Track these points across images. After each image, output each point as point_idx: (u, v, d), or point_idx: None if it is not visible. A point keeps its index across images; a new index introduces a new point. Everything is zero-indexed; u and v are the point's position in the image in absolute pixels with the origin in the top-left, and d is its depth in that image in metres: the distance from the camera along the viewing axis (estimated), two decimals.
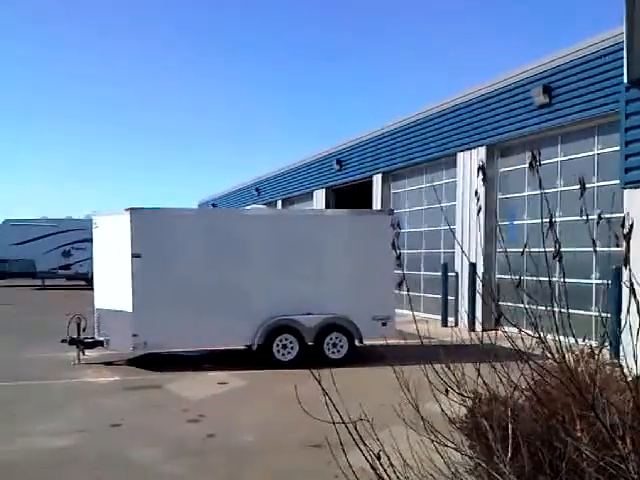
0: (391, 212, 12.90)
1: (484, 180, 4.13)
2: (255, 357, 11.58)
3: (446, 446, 3.25)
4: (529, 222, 14.86)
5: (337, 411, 2.88)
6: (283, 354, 11.49)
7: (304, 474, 5.96)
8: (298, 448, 6.68)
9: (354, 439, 2.81)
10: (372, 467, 2.67)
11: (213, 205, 43.50)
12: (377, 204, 21.84)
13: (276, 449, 6.68)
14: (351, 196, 24.53)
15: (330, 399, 2.85)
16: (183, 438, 7.10)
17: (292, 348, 11.52)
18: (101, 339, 11.71)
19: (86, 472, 5.95)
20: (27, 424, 7.59)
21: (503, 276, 12.39)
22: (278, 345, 11.47)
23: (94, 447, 6.71)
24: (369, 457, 2.92)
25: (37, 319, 18.62)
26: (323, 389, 2.85)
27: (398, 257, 3.13)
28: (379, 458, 2.76)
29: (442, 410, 3.52)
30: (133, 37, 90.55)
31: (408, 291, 4.49)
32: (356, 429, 3.01)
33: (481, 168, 3.72)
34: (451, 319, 16.70)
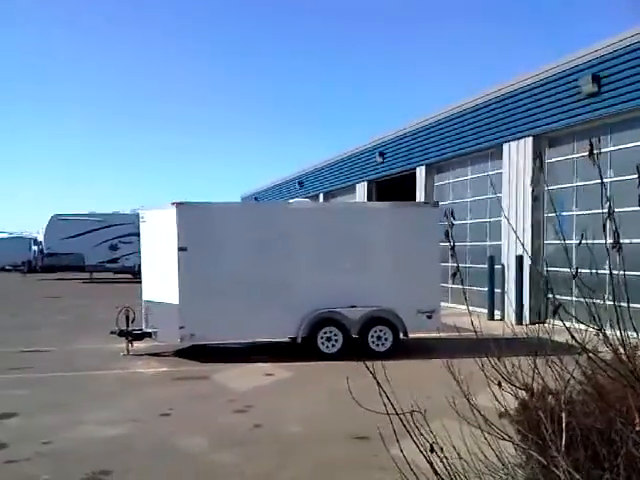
0: (436, 204, 12.78)
1: (540, 169, 4.04)
2: (300, 349, 11.64)
3: (502, 439, 3.21)
4: (578, 213, 14.52)
5: (390, 402, 2.87)
6: (327, 347, 11.52)
7: (351, 465, 5.97)
8: (345, 439, 6.70)
9: (407, 430, 2.80)
10: (427, 459, 2.65)
11: (255, 199, 43.80)
12: (420, 196, 21.65)
13: (323, 440, 6.71)
14: (393, 189, 24.36)
15: (384, 391, 2.85)
16: (230, 428, 7.20)
17: (336, 341, 11.54)
18: (149, 331, 11.94)
19: (138, 460, 6.09)
20: (82, 413, 7.82)
21: (551, 268, 12.11)
22: (322, 338, 11.51)
23: (145, 436, 6.86)
24: (420, 449, 2.90)
25: (87, 311, 19.14)
26: (377, 381, 2.83)
27: (452, 248, 3.08)
28: (432, 450, 2.74)
29: (497, 402, 3.47)
30: (193, 34, 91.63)
31: (462, 283, 4.39)
32: (401, 421, 3.00)
33: (538, 156, 3.64)
34: (498, 312, 16.47)
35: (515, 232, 16.22)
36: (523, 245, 15.67)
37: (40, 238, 40.97)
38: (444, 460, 2.89)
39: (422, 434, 2.95)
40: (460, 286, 18.93)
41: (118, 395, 8.84)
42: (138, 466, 5.94)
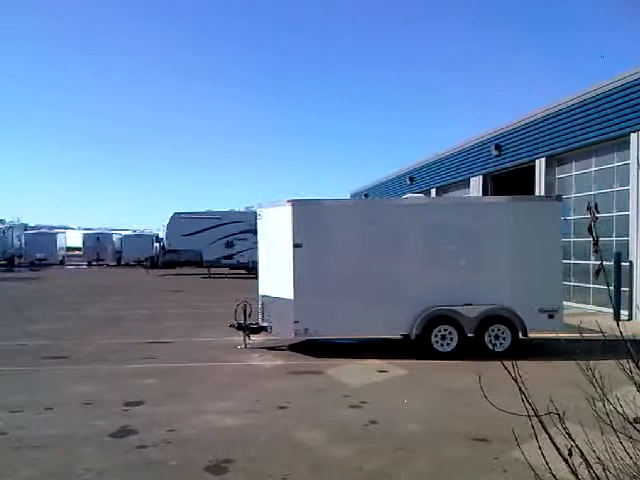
0: (559, 198, 12.15)
1: None
2: (412, 347, 11.47)
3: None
4: None
5: (527, 401, 2.71)
6: (442, 345, 11.28)
7: (470, 467, 5.78)
8: (463, 440, 6.51)
9: (546, 431, 2.63)
10: (566, 461, 2.47)
11: (365, 195, 43.78)
12: (540, 190, 20.71)
13: (440, 440, 6.55)
14: (510, 183, 23.49)
15: (524, 393, 2.69)
16: (346, 423, 7.19)
17: (451, 339, 11.27)
18: (265, 325, 12.23)
19: (259, 451, 6.21)
20: (203, 402, 8.11)
21: None
22: (437, 335, 11.27)
23: (264, 427, 6.99)
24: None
25: (205, 305, 19.91)
26: (517, 382, 2.67)
27: (596, 243, 2.85)
28: (570, 454, 2.55)
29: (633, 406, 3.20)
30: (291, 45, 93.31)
31: (608, 285, 4.05)
32: (541, 423, 2.82)
33: None
34: (624, 312, 15.45)
35: (638, 230, 15.15)
36: None
37: (161, 235, 43.22)
38: (582, 465, 2.69)
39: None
40: (585, 284, 18.04)
41: (237, 386, 9.09)
42: (258, 456, 6.05)
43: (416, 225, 11.67)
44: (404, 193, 29.11)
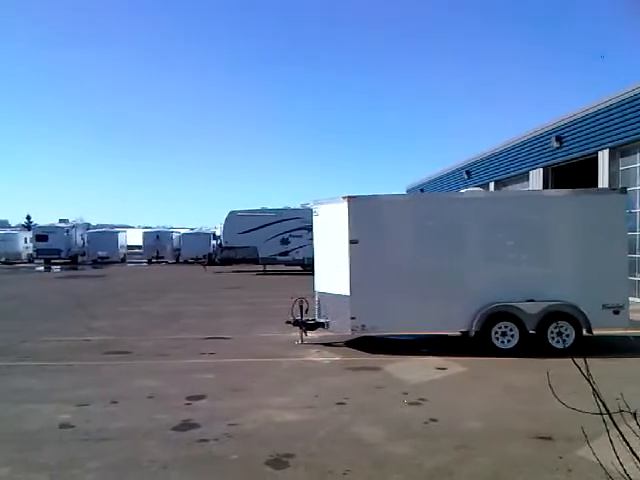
0: (624, 190, 11.70)
1: None
2: (472, 344, 11.28)
3: None
4: None
5: (598, 398, 2.61)
6: (502, 342, 11.05)
7: (534, 465, 5.64)
8: (526, 438, 6.38)
9: (618, 429, 2.53)
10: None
11: (421, 190, 43.34)
12: (603, 182, 20.03)
13: (502, 438, 6.43)
14: (572, 175, 22.83)
15: (594, 388, 2.60)
16: (406, 420, 7.14)
17: (512, 336, 11.03)
18: (322, 321, 12.25)
19: (318, 446, 6.23)
20: (262, 397, 8.19)
21: None
22: (497, 332, 11.05)
23: (323, 423, 7.01)
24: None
25: (262, 301, 20.10)
26: (589, 381, 2.58)
27: None
28: None
29: None
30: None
31: None
32: (612, 420, 2.71)
33: None
34: None
35: None
36: None
37: (218, 233, 43.86)
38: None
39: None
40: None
41: (294, 382, 9.14)
42: (318, 451, 6.07)
43: (476, 219, 11.46)
44: (461, 187, 28.68)
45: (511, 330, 11.03)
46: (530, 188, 25.16)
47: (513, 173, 28.10)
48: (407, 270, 11.35)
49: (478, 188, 21.59)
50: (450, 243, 11.43)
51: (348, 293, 11.31)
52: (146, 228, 67.69)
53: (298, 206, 38.98)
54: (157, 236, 53.66)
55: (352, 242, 11.25)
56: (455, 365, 10.11)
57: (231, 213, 38.64)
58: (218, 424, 6.93)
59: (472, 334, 11.14)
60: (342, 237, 11.40)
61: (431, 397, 8.10)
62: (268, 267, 37.83)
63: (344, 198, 11.44)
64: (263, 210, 38.77)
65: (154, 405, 7.86)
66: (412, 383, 8.97)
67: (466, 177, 33.87)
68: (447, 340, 12.26)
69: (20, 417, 7.37)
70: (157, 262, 51.83)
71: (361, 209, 11.40)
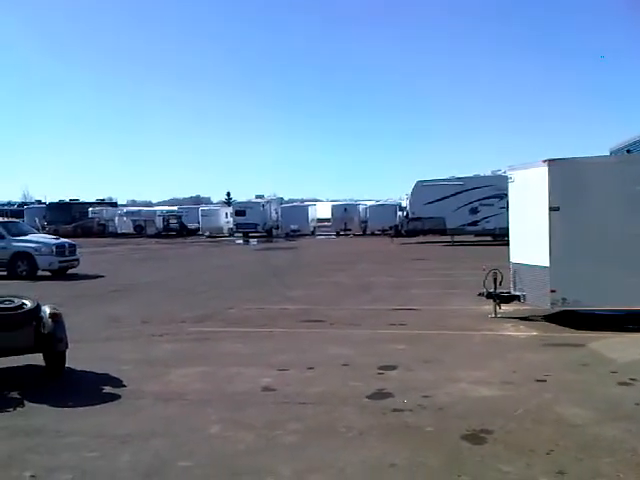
0: None
1: None
2: None
3: None
4: None
5: None
6: None
7: None
8: None
9: None
10: None
11: (628, 151, 39.43)
12: None
13: None
14: None
15: None
16: (614, 401, 6.59)
17: None
18: (517, 294, 11.64)
19: (518, 424, 5.93)
20: (455, 370, 7.98)
21: None
22: None
23: (522, 400, 6.65)
24: None
25: (451, 273, 19.68)
26: None
27: None
28: None
29: None
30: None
31: None
32: None
33: None
34: None
35: None
36: None
37: (404, 204, 43.75)
38: None
39: None
40: None
41: (489, 356, 8.80)
42: (517, 429, 5.78)
43: None
44: None
45: None
46: None
47: None
48: (617, 239, 10.35)
49: None
50: None
51: (548, 264, 10.58)
52: (334, 201, 69.66)
53: (489, 173, 37.46)
54: (345, 209, 54.98)
55: (553, 209, 10.47)
56: None
57: (418, 183, 38.26)
58: (412, 395, 6.88)
59: None
60: (541, 204, 10.65)
61: None
62: (456, 238, 36.97)
63: (544, 162, 10.66)
64: (451, 179, 37.86)
65: (348, 372, 8.01)
66: (621, 362, 8.22)
67: None
68: None
69: (228, 379, 7.91)
70: (345, 234, 53.18)
71: (563, 173, 10.55)
